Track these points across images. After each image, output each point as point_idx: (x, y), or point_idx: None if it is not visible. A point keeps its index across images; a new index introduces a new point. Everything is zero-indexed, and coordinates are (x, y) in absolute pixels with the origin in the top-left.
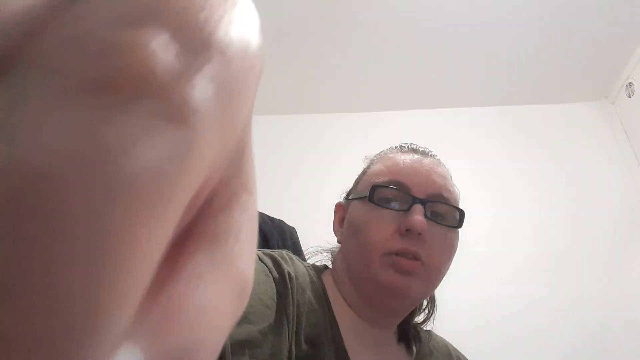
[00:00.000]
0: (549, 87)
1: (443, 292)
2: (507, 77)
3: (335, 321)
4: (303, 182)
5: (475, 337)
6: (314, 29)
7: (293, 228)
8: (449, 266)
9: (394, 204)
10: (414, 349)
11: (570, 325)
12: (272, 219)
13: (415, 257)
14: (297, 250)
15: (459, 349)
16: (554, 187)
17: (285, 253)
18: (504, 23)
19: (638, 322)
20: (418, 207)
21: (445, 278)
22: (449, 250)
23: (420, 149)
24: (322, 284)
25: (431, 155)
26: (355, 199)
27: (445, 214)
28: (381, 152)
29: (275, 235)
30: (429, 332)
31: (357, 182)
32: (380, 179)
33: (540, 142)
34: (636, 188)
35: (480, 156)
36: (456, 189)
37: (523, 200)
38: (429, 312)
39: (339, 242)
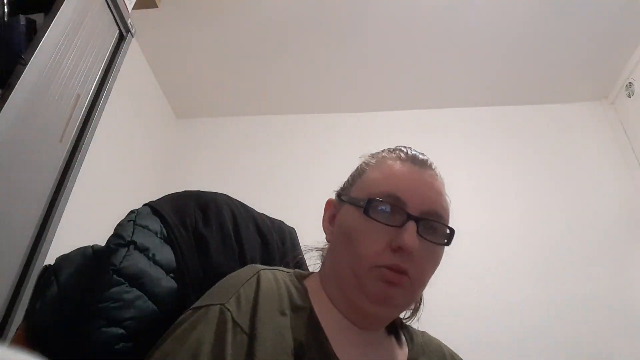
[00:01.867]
0: (549, 87)
1: (444, 292)
2: (507, 77)
3: (319, 325)
4: (303, 182)
5: (474, 337)
6: (314, 31)
7: (293, 229)
8: (431, 277)
9: (388, 218)
10: (407, 347)
11: (570, 325)
12: (271, 220)
13: (404, 272)
14: (296, 250)
15: (454, 350)
16: (554, 187)
17: (251, 278)
18: (504, 23)
19: (638, 322)
20: (411, 226)
21: (444, 278)
22: (435, 265)
23: (419, 158)
24: (305, 290)
25: (429, 166)
26: (350, 203)
27: (436, 230)
28: (378, 154)
29: (275, 236)
30: (423, 332)
31: (351, 183)
32: (377, 191)
33: (540, 142)
34: (636, 188)
35: (480, 156)
36: (449, 201)
37: (522, 199)
38: (415, 308)
39: (328, 240)
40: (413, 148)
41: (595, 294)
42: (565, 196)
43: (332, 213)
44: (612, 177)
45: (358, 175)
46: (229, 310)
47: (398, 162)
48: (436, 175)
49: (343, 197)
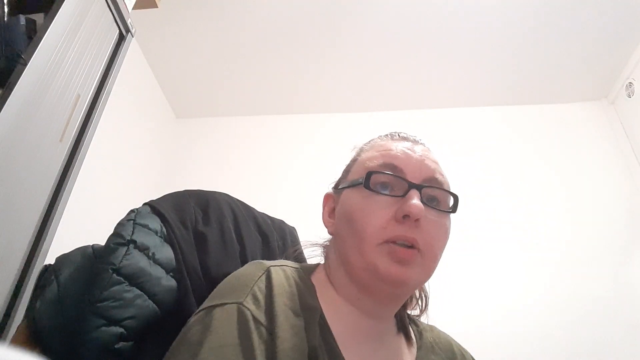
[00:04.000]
0: (549, 87)
1: (445, 290)
2: (507, 77)
3: (329, 327)
4: (303, 181)
5: (474, 337)
6: (314, 31)
7: (293, 228)
8: (443, 251)
9: (389, 190)
10: (415, 342)
11: (570, 324)
12: (272, 219)
13: (412, 245)
14: (296, 246)
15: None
16: (554, 187)
17: (262, 276)
18: (504, 23)
19: (638, 321)
20: (414, 192)
21: (446, 277)
22: (444, 235)
23: (411, 137)
24: (313, 287)
25: (421, 143)
26: (348, 187)
27: (439, 198)
28: (371, 140)
29: (275, 236)
30: (431, 327)
31: (347, 171)
32: (375, 165)
33: (540, 142)
34: (636, 188)
35: (480, 156)
36: (446, 175)
37: (523, 199)
38: (422, 304)
39: (330, 234)
40: (404, 132)
41: (595, 294)
42: (565, 196)
43: (332, 206)
44: (612, 177)
45: (353, 162)
46: (248, 309)
47: (390, 140)
48: (429, 149)
49: (341, 186)
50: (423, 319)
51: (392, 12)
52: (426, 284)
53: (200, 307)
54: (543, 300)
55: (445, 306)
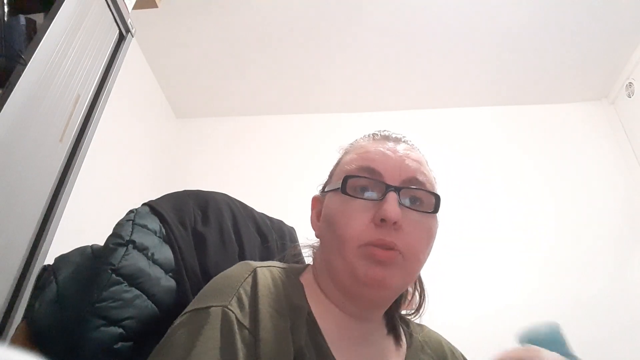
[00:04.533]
0: (549, 87)
1: (444, 289)
2: (507, 77)
3: (317, 326)
4: (303, 182)
5: (474, 338)
6: (314, 31)
7: (292, 228)
8: (428, 253)
9: (367, 194)
10: (404, 342)
11: (570, 325)
12: (271, 220)
13: (392, 247)
14: (295, 247)
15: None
16: (554, 187)
17: (248, 277)
18: (504, 24)
19: (638, 321)
20: (392, 196)
21: (444, 275)
22: (427, 236)
23: (393, 136)
24: (301, 287)
25: (404, 141)
26: (330, 191)
27: (422, 199)
28: (354, 141)
29: (274, 236)
30: (421, 326)
31: (331, 174)
32: (352, 168)
33: (540, 142)
34: (636, 188)
35: (480, 156)
36: (432, 174)
37: (523, 199)
38: (419, 303)
39: (317, 236)
40: (388, 130)
41: (594, 294)
42: (565, 196)
43: (319, 209)
44: (612, 177)
45: (336, 164)
46: (232, 312)
47: (372, 141)
48: (413, 147)
49: (325, 190)
50: (420, 318)
51: (392, 13)
52: (425, 284)
53: (186, 309)
54: (543, 300)
55: (444, 306)
